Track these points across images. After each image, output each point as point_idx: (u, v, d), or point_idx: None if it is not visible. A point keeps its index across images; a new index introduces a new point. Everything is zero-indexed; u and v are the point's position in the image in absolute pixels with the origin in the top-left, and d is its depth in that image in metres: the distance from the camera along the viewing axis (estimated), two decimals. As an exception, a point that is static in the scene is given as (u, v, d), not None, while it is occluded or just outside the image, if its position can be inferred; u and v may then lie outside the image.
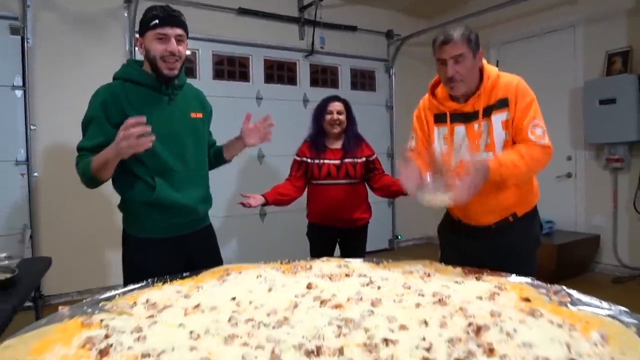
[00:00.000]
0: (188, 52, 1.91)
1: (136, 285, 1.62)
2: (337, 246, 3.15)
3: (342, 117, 3.00)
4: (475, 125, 1.88)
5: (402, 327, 1.16)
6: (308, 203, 3.13)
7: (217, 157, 2.21)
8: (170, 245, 1.92)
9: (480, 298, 1.38)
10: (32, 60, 4.02)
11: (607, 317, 1.21)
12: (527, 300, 1.36)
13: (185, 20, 1.89)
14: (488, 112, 1.86)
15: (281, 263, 1.88)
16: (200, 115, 2.04)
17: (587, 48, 4.87)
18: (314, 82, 5.73)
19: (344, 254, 3.04)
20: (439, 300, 1.36)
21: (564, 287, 1.45)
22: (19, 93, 3.98)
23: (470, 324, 1.16)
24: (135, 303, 1.41)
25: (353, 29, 5.90)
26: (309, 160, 2.99)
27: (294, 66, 5.60)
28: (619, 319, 1.19)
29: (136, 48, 4.33)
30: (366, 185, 3.10)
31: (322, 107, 3.05)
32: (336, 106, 3.00)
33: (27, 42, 3.98)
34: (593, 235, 4.83)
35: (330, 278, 1.64)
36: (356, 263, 1.87)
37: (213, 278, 1.67)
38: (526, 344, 1.04)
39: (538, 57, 5.24)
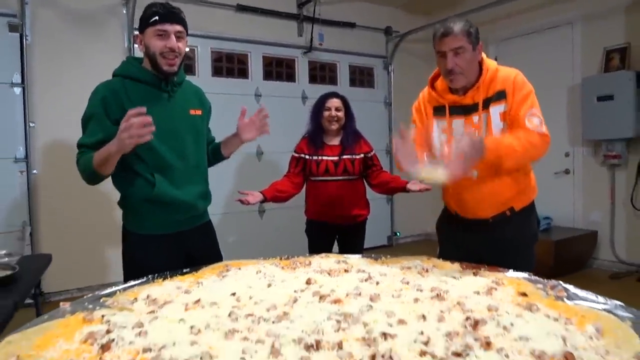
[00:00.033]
0: (187, 49, 1.93)
1: (136, 282, 1.63)
2: (336, 243, 3.16)
3: (341, 114, 3.00)
4: (475, 118, 1.89)
5: (401, 322, 1.17)
6: (306, 200, 3.13)
7: (215, 154, 2.22)
8: (170, 241, 1.94)
9: (478, 293, 1.39)
10: (31, 58, 4.02)
11: (603, 311, 1.23)
12: (524, 295, 1.37)
13: (185, 17, 1.90)
14: (486, 104, 1.88)
15: (280, 259, 1.89)
16: (199, 112, 2.05)
17: (585, 45, 4.88)
18: (313, 79, 5.74)
19: (343, 251, 3.05)
20: (437, 295, 1.37)
21: (561, 282, 1.47)
22: (17, 90, 3.98)
23: (467, 318, 1.17)
24: (135, 299, 1.42)
25: (352, 25, 5.91)
26: (307, 157, 3.00)
27: (292, 63, 5.60)
28: (615, 313, 1.21)
29: (135, 45, 4.37)
30: (364, 181, 3.10)
31: (321, 103, 3.05)
32: (334, 103, 3.01)
33: (25, 39, 3.98)
34: (591, 231, 4.86)
35: (329, 274, 1.65)
36: (355, 259, 1.89)
37: (213, 274, 1.69)
38: (523, 338, 1.05)
39: (536, 53, 5.25)
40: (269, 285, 1.52)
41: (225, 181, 4.77)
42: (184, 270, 1.75)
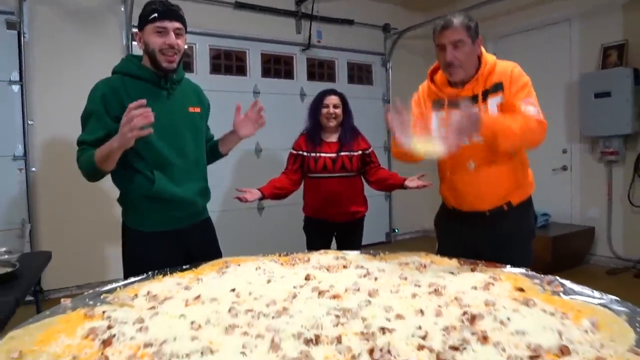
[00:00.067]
0: (185, 47, 1.94)
1: (137, 278, 1.64)
2: (334, 240, 3.16)
3: (338, 111, 3.01)
4: (474, 110, 1.90)
5: (399, 317, 1.18)
6: (304, 196, 3.13)
7: (214, 152, 2.23)
8: (170, 238, 1.95)
9: (475, 288, 1.40)
10: (29, 55, 4.03)
11: (599, 306, 1.24)
12: (521, 290, 1.38)
13: (184, 14, 1.91)
14: (484, 96, 1.89)
15: (279, 255, 1.90)
16: (198, 109, 2.06)
17: (583, 41, 4.89)
18: (311, 76, 5.75)
19: (341, 248, 3.06)
20: (435, 290, 1.38)
21: (557, 278, 1.48)
22: (16, 88, 3.99)
23: (465, 313, 1.18)
24: (136, 295, 1.43)
25: (350, 22, 5.91)
26: (305, 154, 3.00)
27: (291, 60, 5.60)
28: (610, 308, 1.22)
29: (133, 43, 4.37)
30: (362, 178, 3.11)
31: (318, 100, 3.05)
32: (332, 100, 3.01)
33: (23, 36, 3.98)
34: (588, 227, 4.88)
35: (328, 270, 1.66)
36: (353, 255, 1.90)
37: (212, 270, 1.70)
38: (519, 332, 1.06)
39: (534, 50, 5.26)
40: (269, 281, 1.54)
41: (224, 178, 4.78)
42: (184, 267, 1.76)
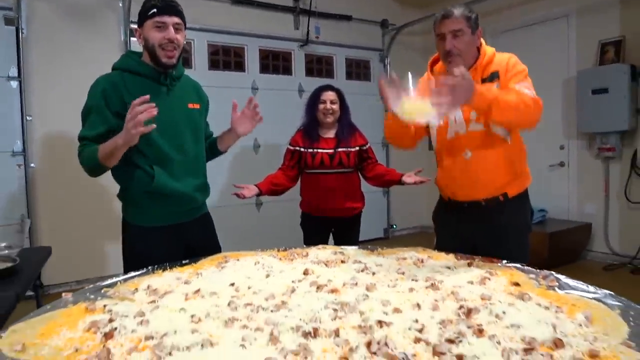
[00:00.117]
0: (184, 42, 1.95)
1: (137, 273, 1.66)
2: (331, 236, 3.17)
3: (336, 107, 3.01)
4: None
5: (396, 310, 1.20)
6: (301, 193, 3.14)
7: (212, 149, 2.24)
8: (170, 232, 1.96)
9: (472, 282, 1.42)
10: (27, 51, 4.02)
11: (593, 300, 1.26)
12: (517, 284, 1.40)
13: (182, 10, 1.92)
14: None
15: (278, 250, 1.92)
16: (197, 106, 2.07)
17: (580, 38, 4.90)
18: (309, 72, 5.75)
19: (338, 244, 3.06)
20: (432, 284, 1.40)
21: (553, 272, 1.50)
22: (14, 84, 3.99)
23: (461, 307, 1.20)
24: (136, 289, 1.44)
25: (348, 18, 5.91)
26: (302, 149, 3.00)
27: (289, 56, 5.60)
28: (604, 302, 1.24)
29: (132, 38, 4.37)
30: (359, 174, 3.12)
31: (315, 96, 3.05)
32: (329, 95, 3.01)
33: (21, 32, 3.97)
34: (585, 223, 4.90)
35: (326, 264, 1.68)
36: (351, 250, 1.92)
37: (212, 265, 1.71)
38: (514, 325, 1.08)
39: (532, 46, 5.26)
40: (267, 276, 1.55)
41: (223, 174, 4.79)
42: (183, 262, 1.77)
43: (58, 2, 4.17)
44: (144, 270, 1.68)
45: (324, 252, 1.86)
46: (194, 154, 2.03)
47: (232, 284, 1.45)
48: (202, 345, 1.02)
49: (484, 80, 1.91)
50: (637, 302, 1.23)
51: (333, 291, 1.36)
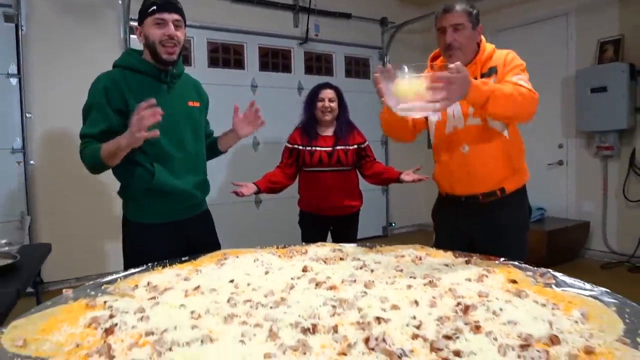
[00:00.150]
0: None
1: (137, 269, 1.66)
2: (329, 234, 3.17)
3: (334, 105, 3.01)
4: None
5: (394, 307, 1.20)
6: (299, 191, 3.14)
7: (213, 149, 2.25)
8: (170, 229, 1.97)
9: (469, 280, 1.43)
10: (27, 48, 4.03)
11: (589, 298, 1.27)
12: (514, 282, 1.41)
13: (182, 7, 1.93)
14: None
15: (277, 248, 1.93)
16: (197, 104, 2.08)
17: (579, 36, 4.91)
18: (309, 70, 5.76)
19: (336, 242, 3.07)
20: (430, 282, 1.41)
21: (550, 270, 1.51)
22: (14, 81, 3.99)
23: (458, 304, 1.21)
24: (136, 286, 1.45)
25: (347, 16, 5.91)
26: (300, 147, 3.00)
27: (288, 54, 5.61)
28: (601, 299, 1.25)
29: (132, 36, 4.37)
30: (357, 172, 3.12)
31: (314, 94, 3.05)
32: (327, 93, 3.01)
33: (21, 29, 3.98)
34: (583, 222, 4.92)
35: (325, 262, 1.69)
36: (350, 247, 1.93)
37: (211, 262, 1.72)
38: (511, 322, 1.09)
39: (531, 45, 5.26)
40: (267, 273, 1.56)
41: (222, 171, 4.79)
42: (183, 259, 1.78)
43: (57, -1, 4.18)
44: (144, 267, 1.69)
45: (323, 249, 1.87)
46: (194, 152, 2.03)
47: (232, 281, 1.46)
48: (201, 340, 1.02)
49: (482, 76, 1.92)
50: (635, 300, 1.24)
51: (332, 288, 1.37)
